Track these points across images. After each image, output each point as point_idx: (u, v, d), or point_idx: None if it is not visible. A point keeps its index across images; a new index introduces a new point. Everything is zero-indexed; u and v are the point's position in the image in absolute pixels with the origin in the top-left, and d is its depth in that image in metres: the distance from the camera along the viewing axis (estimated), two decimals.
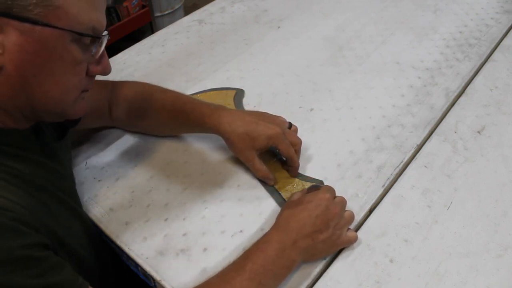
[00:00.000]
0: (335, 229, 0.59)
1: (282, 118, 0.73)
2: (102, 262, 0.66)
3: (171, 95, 0.73)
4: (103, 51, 0.52)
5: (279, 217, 0.61)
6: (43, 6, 0.44)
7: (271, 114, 0.72)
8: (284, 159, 0.71)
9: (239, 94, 0.86)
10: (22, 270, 0.42)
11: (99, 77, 0.55)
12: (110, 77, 0.88)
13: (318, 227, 0.58)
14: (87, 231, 0.62)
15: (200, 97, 0.85)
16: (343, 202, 0.63)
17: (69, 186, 0.62)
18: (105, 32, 0.51)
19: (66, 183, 0.60)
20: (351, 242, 0.61)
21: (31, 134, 0.54)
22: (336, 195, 0.64)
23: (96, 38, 0.49)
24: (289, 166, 0.70)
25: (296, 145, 0.70)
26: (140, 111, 0.74)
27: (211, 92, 0.87)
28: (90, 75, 0.52)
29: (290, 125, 0.73)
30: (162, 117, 0.72)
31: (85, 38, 0.48)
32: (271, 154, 0.73)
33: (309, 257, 0.59)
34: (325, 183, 0.69)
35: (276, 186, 0.69)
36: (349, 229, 0.62)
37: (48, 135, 0.59)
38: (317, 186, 0.68)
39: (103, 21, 0.50)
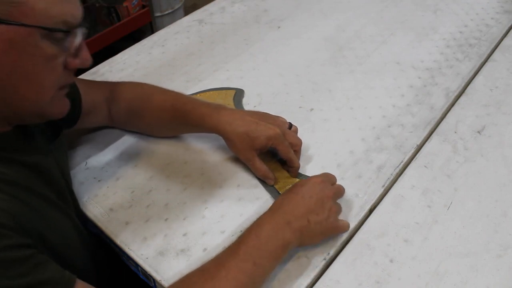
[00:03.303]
0: (331, 212, 0.60)
1: (283, 118, 0.73)
2: (96, 263, 0.65)
3: (171, 95, 0.73)
4: (80, 43, 0.49)
5: (274, 203, 0.61)
6: (7, 4, 0.42)
7: (271, 115, 0.72)
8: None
9: (238, 94, 0.86)
10: (5, 271, 0.41)
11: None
12: (110, 77, 0.89)
13: (312, 208, 0.58)
14: (79, 232, 0.61)
15: (200, 97, 0.85)
16: (339, 189, 0.64)
17: (62, 186, 0.61)
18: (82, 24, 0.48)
19: (59, 183, 0.59)
20: (344, 228, 0.62)
21: (15, 135, 0.52)
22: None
23: (68, 32, 0.47)
24: (289, 167, 0.70)
25: (296, 145, 0.70)
26: (140, 111, 0.74)
27: (211, 92, 0.87)
28: (69, 69, 0.50)
29: (291, 125, 0.73)
30: (161, 117, 0.72)
31: (57, 32, 0.46)
32: (272, 154, 0.73)
33: (306, 240, 0.59)
34: None
35: (276, 186, 0.69)
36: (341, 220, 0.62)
37: (40, 135, 0.58)
38: None
39: (77, 12, 0.47)
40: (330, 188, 0.62)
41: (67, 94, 0.54)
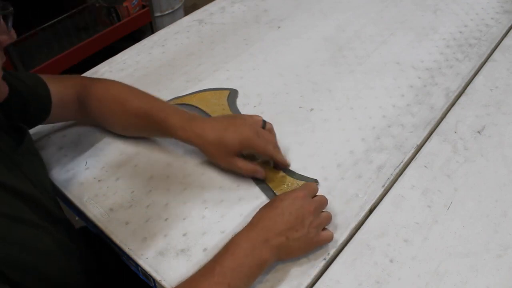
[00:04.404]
0: (311, 227, 0.58)
1: (257, 117, 0.71)
2: (87, 272, 0.65)
3: (146, 101, 0.71)
4: None
5: (253, 217, 0.60)
6: None
7: (243, 115, 0.70)
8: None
9: (232, 94, 0.86)
10: None
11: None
12: (109, 77, 0.89)
13: (291, 225, 0.57)
14: (61, 246, 0.57)
15: (195, 97, 0.85)
16: (321, 201, 0.62)
17: (38, 198, 0.56)
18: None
19: (28, 196, 0.54)
20: (327, 241, 0.61)
21: None
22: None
23: None
24: (276, 164, 0.70)
25: (271, 142, 0.69)
26: (114, 114, 0.72)
27: (206, 93, 0.87)
28: None
29: (264, 123, 0.72)
30: (136, 123, 0.71)
31: None
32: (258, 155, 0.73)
33: (284, 256, 0.58)
34: (325, 183, 0.69)
35: (271, 185, 0.69)
36: (325, 228, 0.61)
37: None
38: None
39: None
40: (310, 203, 0.60)
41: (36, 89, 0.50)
